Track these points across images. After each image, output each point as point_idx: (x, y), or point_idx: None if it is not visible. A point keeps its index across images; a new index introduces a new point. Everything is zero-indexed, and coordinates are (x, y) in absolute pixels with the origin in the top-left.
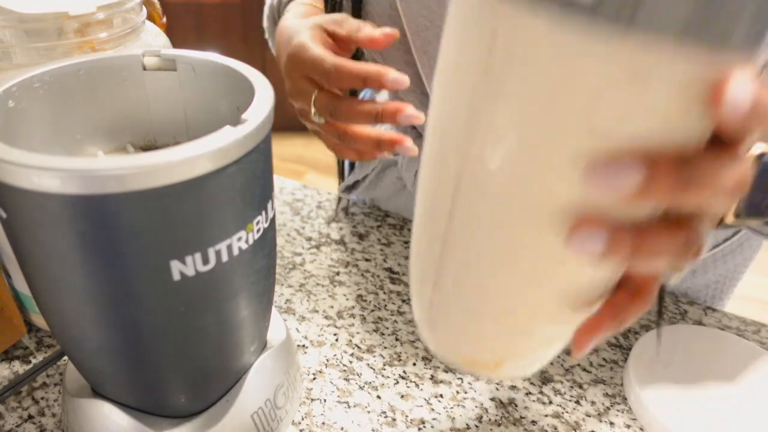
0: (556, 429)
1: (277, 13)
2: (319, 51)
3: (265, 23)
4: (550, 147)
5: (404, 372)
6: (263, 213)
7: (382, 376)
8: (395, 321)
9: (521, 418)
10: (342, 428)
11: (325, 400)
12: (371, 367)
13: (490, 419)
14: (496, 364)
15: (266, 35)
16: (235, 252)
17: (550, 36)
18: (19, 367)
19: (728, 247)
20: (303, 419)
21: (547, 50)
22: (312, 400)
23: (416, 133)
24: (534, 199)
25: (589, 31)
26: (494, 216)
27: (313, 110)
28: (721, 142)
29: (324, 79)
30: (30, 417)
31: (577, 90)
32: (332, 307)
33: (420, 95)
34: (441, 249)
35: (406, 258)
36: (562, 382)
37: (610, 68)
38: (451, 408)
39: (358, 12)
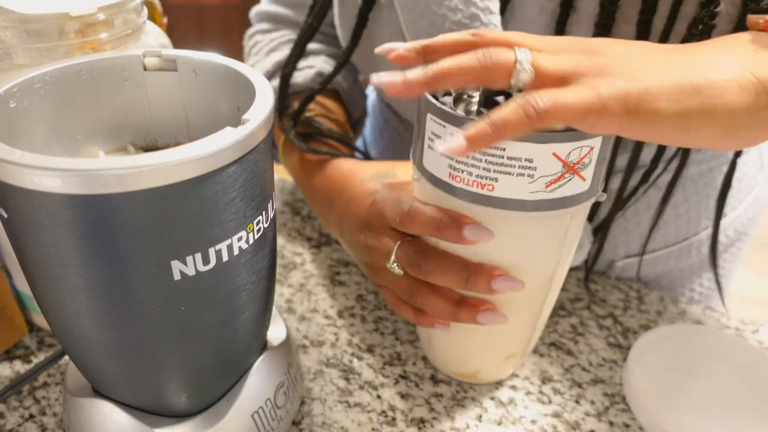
0: (555, 428)
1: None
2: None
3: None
4: None
5: (404, 371)
6: (264, 213)
7: (382, 375)
8: (395, 321)
9: (521, 417)
10: (342, 428)
11: (325, 400)
12: (371, 367)
13: (489, 418)
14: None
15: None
16: (236, 252)
17: None
18: (20, 367)
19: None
20: (303, 419)
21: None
22: (312, 399)
23: None
24: None
25: None
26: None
27: (392, 259)
28: None
29: (401, 223)
30: (31, 416)
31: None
32: (332, 306)
33: None
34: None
35: None
36: (561, 382)
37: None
38: (451, 407)
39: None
